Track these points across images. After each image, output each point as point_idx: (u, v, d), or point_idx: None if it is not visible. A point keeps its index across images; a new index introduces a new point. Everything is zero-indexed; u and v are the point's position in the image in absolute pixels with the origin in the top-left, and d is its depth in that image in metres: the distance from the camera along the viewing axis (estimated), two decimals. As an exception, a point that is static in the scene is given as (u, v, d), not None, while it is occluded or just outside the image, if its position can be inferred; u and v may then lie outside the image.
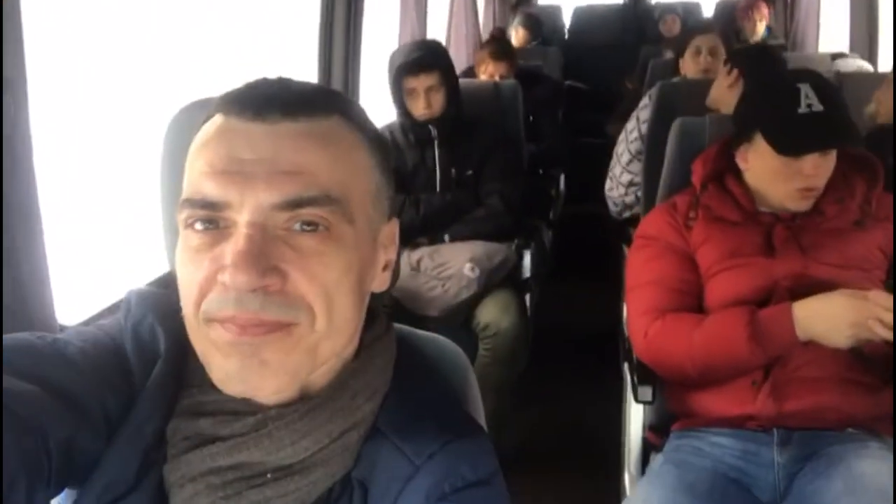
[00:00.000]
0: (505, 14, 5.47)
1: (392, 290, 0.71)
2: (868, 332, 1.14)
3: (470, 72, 3.43)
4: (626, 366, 1.63)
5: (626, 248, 2.16)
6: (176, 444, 0.61)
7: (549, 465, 2.23)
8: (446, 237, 2.18)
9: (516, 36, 4.79)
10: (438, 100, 2.16)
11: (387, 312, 0.72)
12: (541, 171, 3.17)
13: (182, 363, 0.63)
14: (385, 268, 0.67)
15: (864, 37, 3.35)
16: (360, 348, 0.66)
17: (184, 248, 0.58)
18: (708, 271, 1.36)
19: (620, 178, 2.35)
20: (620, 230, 2.40)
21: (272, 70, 0.64)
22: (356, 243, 0.60)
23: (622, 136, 2.38)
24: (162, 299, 0.65)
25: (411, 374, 0.69)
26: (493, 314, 2.02)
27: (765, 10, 4.03)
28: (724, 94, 2.03)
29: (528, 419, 2.46)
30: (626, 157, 2.33)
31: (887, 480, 1.11)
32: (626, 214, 2.38)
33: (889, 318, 1.11)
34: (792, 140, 1.28)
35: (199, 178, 0.57)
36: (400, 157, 2.20)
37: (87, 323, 1.12)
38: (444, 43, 3.31)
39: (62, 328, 1.05)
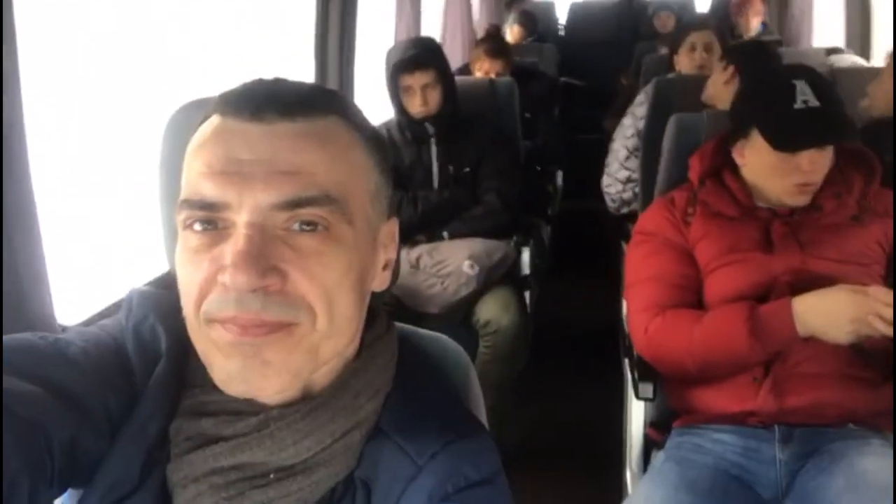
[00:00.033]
0: (500, 11, 5.47)
1: (391, 288, 0.71)
2: (868, 327, 1.14)
3: (466, 69, 3.43)
4: (626, 362, 1.63)
5: (624, 244, 2.16)
6: (179, 445, 0.61)
7: (549, 462, 2.23)
8: (445, 235, 2.18)
9: (511, 33, 4.79)
10: (435, 97, 2.16)
11: (387, 310, 0.72)
12: (538, 168, 3.17)
13: (183, 363, 0.64)
14: (385, 267, 0.67)
15: (859, 32, 3.35)
16: (361, 348, 0.66)
17: (183, 249, 0.58)
18: (707, 267, 1.37)
19: (617, 175, 2.35)
20: (618, 226, 2.41)
21: (269, 69, 0.64)
22: (356, 243, 0.60)
23: (619, 133, 2.38)
24: (163, 299, 0.65)
25: (413, 373, 0.69)
26: (493, 311, 2.02)
27: (759, 5, 4.04)
28: (720, 90, 2.03)
29: (529, 416, 2.46)
30: (622, 154, 2.34)
31: (889, 477, 1.11)
32: (624, 210, 2.38)
33: (889, 313, 1.11)
34: (788, 136, 1.29)
35: (197, 179, 0.57)
36: (397, 154, 2.20)
37: (87, 322, 1.12)
38: (439, 40, 3.30)
39: (63, 328, 1.05)
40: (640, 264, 1.42)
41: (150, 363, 0.63)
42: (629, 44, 4.56)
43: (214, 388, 0.59)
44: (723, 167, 1.43)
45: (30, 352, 0.59)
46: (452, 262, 2.04)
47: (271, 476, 0.59)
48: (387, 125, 2.26)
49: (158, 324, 0.64)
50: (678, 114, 1.72)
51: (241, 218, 0.56)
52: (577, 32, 5.71)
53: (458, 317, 2.05)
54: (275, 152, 0.57)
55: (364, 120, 0.65)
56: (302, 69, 2.26)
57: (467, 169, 2.23)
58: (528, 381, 2.32)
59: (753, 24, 3.99)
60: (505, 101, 2.58)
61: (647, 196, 1.94)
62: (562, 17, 5.94)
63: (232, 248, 0.55)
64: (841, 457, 1.19)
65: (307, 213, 0.56)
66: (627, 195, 2.34)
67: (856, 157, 1.38)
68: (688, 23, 2.83)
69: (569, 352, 2.88)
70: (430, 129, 2.19)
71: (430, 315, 2.01)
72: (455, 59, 3.80)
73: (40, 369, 0.57)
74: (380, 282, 0.66)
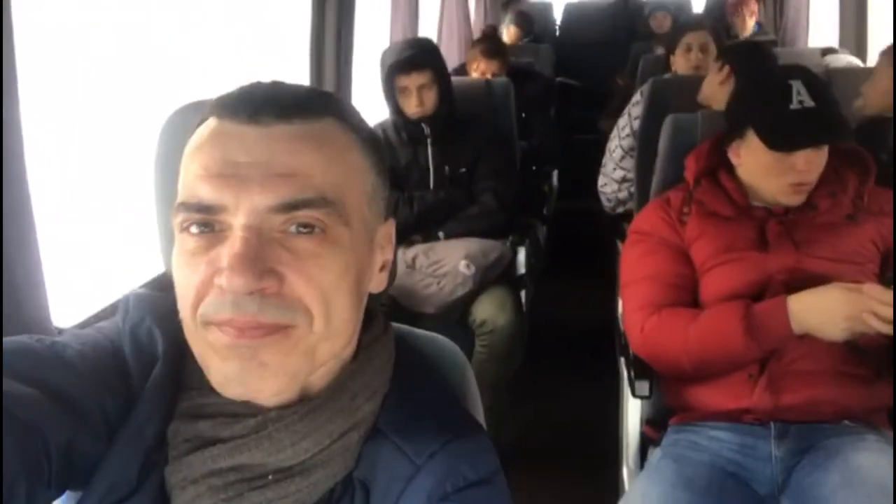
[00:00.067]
0: (496, 11, 5.47)
1: (388, 289, 0.71)
2: (863, 324, 1.14)
3: (462, 69, 3.43)
4: (622, 361, 1.63)
5: (619, 244, 2.17)
6: (176, 447, 0.61)
7: (546, 461, 2.23)
8: (441, 235, 2.18)
9: (508, 33, 4.79)
10: (431, 98, 2.16)
11: (384, 311, 0.72)
12: (534, 168, 3.17)
13: (180, 365, 0.64)
14: (382, 268, 0.67)
15: (854, 32, 3.36)
16: (358, 349, 0.66)
17: (180, 252, 0.58)
18: (702, 266, 1.37)
19: (613, 175, 2.35)
20: (614, 226, 2.41)
21: (266, 70, 0.64)
22: (352, 245, 0.60)
23: (614, 133, 2.38)
24: (159, 301, 0.66)
25: (411, 373, 0.69)
26: (489, 311, 2.02)
27: (754, 5, 4.05)
28: (716, 90, 2.04)
29: (525, 415, 2.47)
30: (618, 154, 2.34)
31: (884, 473, 1.12)
32: (620, 210, 2.38)
33: (883, 310, 1.11)
34: (784, 136, 1.29)
35: (194, 182, 0.57)
36: (393, 155, 2.20)
37: (83, 325, 1.12)
38: (435, 41, 3.30)
39: (59, 331, 1.05)
40: (636, 264, 1.43)
41: (146, 366, 0.63)
42: (625, 44, 4.57)
43: (211, 390, 0.59)
44: (718, 167, 1.43)
45: (26, 354, 0.59)
46: (448, 262, 2.04)
47: (270, 477, 0.60)
48: (382, 125, 2.26)
49: (155, 326, 0.64)
50: (674, 114, 1.73)
51: (237, 220, 0.56)
52: (572, 32, 5.72)
53: (455, 317, 2.05)
54: (272, 155, 0.57)
55: (361, 121, 0.65)
56: (301, 70, 2.26)
57: (463, 169, 2.23)
58: (524, 380, 2.32)
59: (748, 24, 4.01)
60: (501, 102, 2.58)
61: (642, 196, 1.94)
62: (559, 18, 5.95)
63: (229, 250, 0.55)
64: (836, 453, 1.19)
65: (304, 215, 0.56)
66: (623, 195, 2.34)
67: (850, 156, 1.39)
68: (684, 23, 2.84)
69: (564, 351, 2.89)
70: (426, 129, 2.19)
71: (426, 315, 2.02)
72: (452, 60, 3.80)
73: (37, 372, 0.57)
74: (377, 283, 0.66)
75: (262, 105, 0.58)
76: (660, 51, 3.32)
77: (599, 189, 2.43)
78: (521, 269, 2.36)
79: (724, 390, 1.31)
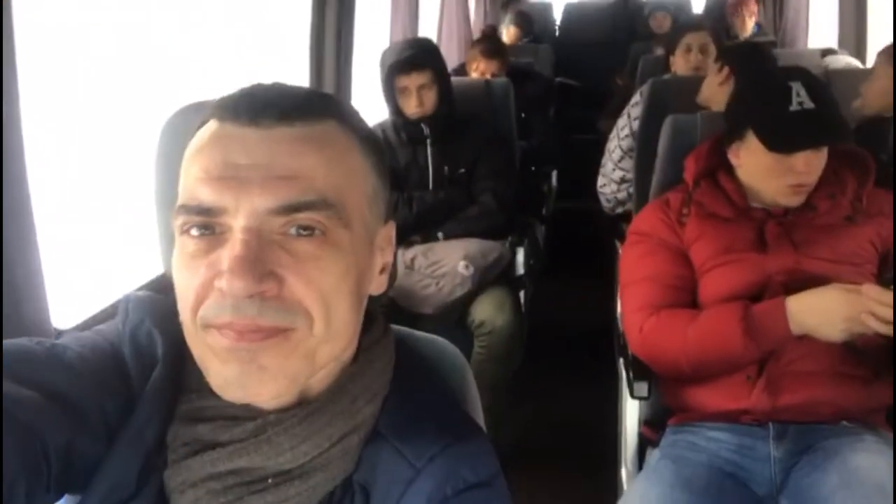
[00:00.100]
0: (496, 12, 5.47)
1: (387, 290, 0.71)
2: (861, 325, 1.14)
3: (461, 70, 3.43)
4: (621, 362, 1.63)
5: (618, 245, 2.17)
6: (176, 450, 0.61)
7: (545, 461, 2.23)
8: (440, 235, 2.18)
9: (507, 33, 4.79)
10: (430, 98, 2.16)
11: (384, 312, 0.72)
12: (533, 169, 3.17)
13: (180, 367, 0.64)
14: (382, 270, 0.67)
15: (853, 33, 3.36)
16: (358, 352, 0.66)
17: (180, 254, 0.58)
18: (702, 267, 1.37)
19: (612, 175, 2.35)
20: (613, 226, 2.41)
21: (266, 71, 0.64)
22: (353, 247, 0.60)
23: (614, 133, 2.38)
24: (159, 303, 0.66)
25: (410, 376, 0.69)
26: (488, 312, 2.02)
27: (754, 6, 4.05)
28: (715, 91, 2.04)
29: (524, 416, 2.47)
30: (617, 154, 2.34)
31: (882, 474, 1.12)
32: (619, 210, 2.38)
33: (881, 311, 1.11)
34: (784, 137, 1.29)
35: (194, 184, 0.57)
36: (392, 155, 2.20)
37: (82, 326, 1.12)
38: (435, 41, 3.30)
39: (58, 332, 1.05)
40: (635, 265, 1.43)
41: (146, 368, 0.63)
42: (624, 44, 4.57)
43: (211, 392, 0.59)
44: (718, 168, 1.43)
45: (26, 357, 0.59)
46: (447, 263, 2.04)
47: (269, 481, 0.60)
48: (382, 126, 2.26)
49: (155, 328, 0.64)
50: (673, 115, 1.73)
51: (238, 223, 0.55)
52: (572, 33, 5.72)
53: (453, 317, 2.04)
54: (272, 157, 0.57)
55: (361, 123, 0.65)
56: (301, 70, 2.25)
57: (463, 169, 2.23)
58: (523, 381, 2.32)
59: (748, 25, 4.01)
60: (500, 102, 2.58)
61: (641, 196, 1.94)
62: (559, 18, 5.95)
63: (229, 253, 0.55)
64: (835, 453, 1.20)
65: (304, 217, 0.56)
66: (622, 195, 2.34)
67: (850, 157, 1.39)
68: (684, 24, 2.84)
69: (563, 352, 2.89)
70: (426, 129, 2.19)
71: (425, 316, 2.01)
72: (452, 60, 3.80)
73: (37, 374, 0.57)
74: (377, 285, 0.66)
75: (263, 107, 0.58)
76: (659, 51, 3.33)
77: (598, 189, 2.43)
78: (520, 270, 2.36)
79: (723, 391, 1.31)
